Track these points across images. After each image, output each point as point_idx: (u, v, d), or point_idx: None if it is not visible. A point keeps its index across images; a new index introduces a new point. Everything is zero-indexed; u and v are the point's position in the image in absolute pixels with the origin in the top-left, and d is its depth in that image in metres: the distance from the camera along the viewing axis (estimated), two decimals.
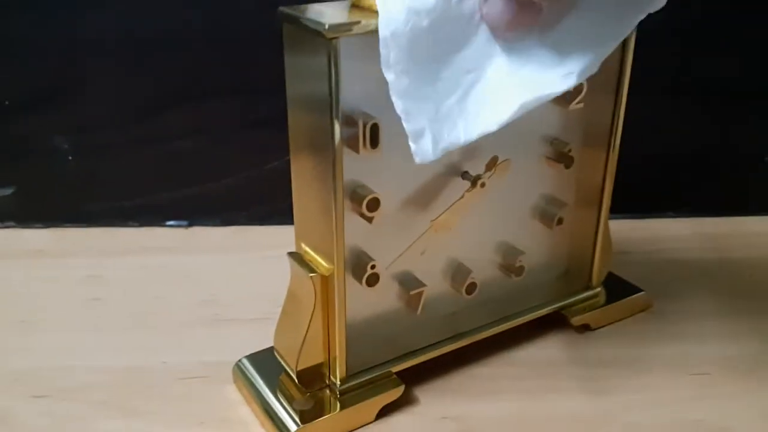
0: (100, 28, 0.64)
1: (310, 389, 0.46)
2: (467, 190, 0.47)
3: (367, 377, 0.47)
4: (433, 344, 0.50)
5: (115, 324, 0.56)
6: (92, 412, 0.47)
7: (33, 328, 0.56)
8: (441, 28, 0.38)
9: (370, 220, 0.44)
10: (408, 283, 0.49)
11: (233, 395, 0.49)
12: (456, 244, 0.50)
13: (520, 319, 0.52)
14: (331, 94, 0.39)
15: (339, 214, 0.42)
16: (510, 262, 0.52)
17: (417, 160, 0.38)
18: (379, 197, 0.43)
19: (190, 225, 0.71)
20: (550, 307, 0.54)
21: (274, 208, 0.70)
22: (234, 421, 0.47)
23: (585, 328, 0.55)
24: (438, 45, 0.39)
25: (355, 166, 0.43)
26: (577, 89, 0.48)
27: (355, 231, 0.44)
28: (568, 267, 0.57)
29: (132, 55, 0.65)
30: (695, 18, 0.64)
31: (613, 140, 0.51)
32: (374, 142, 0.42)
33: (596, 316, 0.55)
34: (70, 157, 0.68)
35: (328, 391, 0.47)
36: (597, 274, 0.55)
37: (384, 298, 0.48)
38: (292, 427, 0.44)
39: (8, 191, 0.70)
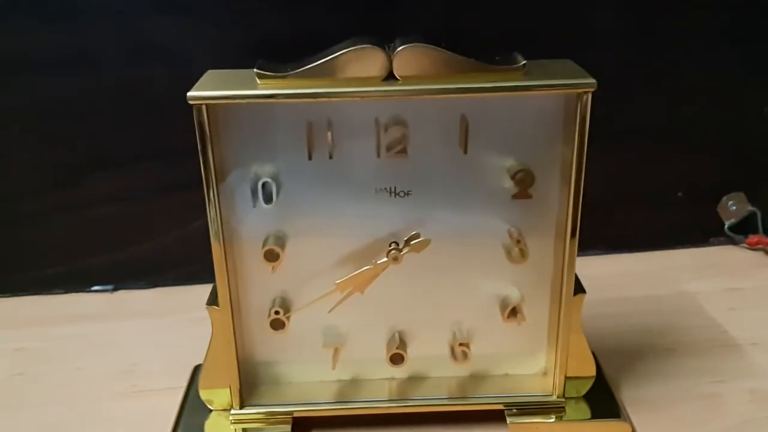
0: (12, 95, 0.65)
1: (216, 409, 0.51)
2: (377, 261, 0.48)
3: (261, 411, 0.51)
4: (344, 401, 0.51)
5: (34, 400, 0.56)
6: None
7: None
8: None
9: (272, 268, 0.47)
10: (330, 337, 0.51)
11: None
12: (393, 313, 0.50)
13: (452, 404, 0.51)
14: (199, 153, 0.44)
15: (220, 260, 0.47)
16: (454, 346, 0.50)
17: None
18: (279, 251, 0.47)
19: (116, 289, 0.71)
20: (487, 402, 0.51)
21: (200, 266, 0.70)
22: None
23: None
24: None
25: (270, 217, 0.47)
26: (526, 180, 0.46)
27: (267, 276, 0.48)
28: (546, 367, 0.52)
29: (46, 122, 0.66)
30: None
31: (568, 234, 0.46)
32: (267, 198, 0.46)
33: (544, 428, 0.51)
34: None
35: (228, 416, 0.51)
36: (557, 379, 0.50)
37: (306, 346, 0.51)
38: None
39: None
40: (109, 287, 0.71)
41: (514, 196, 0.46)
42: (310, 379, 0.52)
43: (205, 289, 0.68)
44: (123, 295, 0.71)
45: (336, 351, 0.51)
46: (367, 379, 0.53)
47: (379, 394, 0.52)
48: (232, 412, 0.50)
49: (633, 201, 0.73)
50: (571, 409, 0.51)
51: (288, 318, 0.49)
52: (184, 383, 0.55)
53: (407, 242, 0.47)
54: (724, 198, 0.74)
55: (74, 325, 0.66)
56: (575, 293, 0.48)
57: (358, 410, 0.51)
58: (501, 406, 0.51)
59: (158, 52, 0.64)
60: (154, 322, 0.66)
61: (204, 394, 0.51)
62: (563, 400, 0.51)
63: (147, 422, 0.52)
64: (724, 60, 0.69)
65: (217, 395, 0.51)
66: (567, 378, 0.50)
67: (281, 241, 0.48)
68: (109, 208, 0.69)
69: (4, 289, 0.70)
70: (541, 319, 0.51)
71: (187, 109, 0.65)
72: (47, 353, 0.62)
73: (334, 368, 0.51)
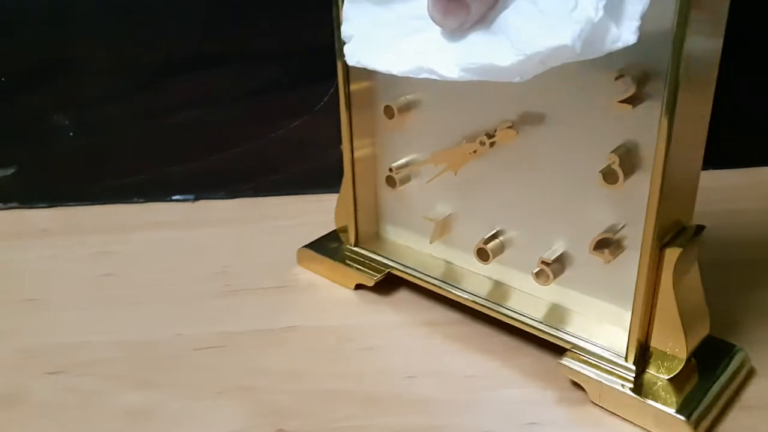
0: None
1: (345, 244, 0.57)
2: (467, 140, 0.47)
3: (367, 256, 0.55)
4: (437, 279, 0.52)
5: (128, 298, 0.55)
6: (109, 386, 0.46)
7: (42, 306, 0.54)
8: None
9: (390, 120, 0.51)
10: (431, 211, 0.52)
11: (250, 363, 0.48)
12: (497, 210, 0.48)
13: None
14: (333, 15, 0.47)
15: (345, 111, 0.52)
16: (543, 264, 0.45)
17: (345, 58, 0.44)
18: (394, 107, 0.50)
19: (197, 199, 0.70)
20: (555, 335, 0.45)
21: (281, 178, 0.69)
22: (251, 388, 0.46)
23: None
24: None
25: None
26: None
27: (395, 134, 0.52)
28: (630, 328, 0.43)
29: (127, 26, 0.64)
30: None
31: None
32: None
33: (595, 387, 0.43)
34: (71, 134, 0.67)
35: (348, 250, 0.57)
36: (631, 341, 0.42)
37: (412, 213, 0.54)
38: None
39: (9, 171, 0.68)
40: (190, 197, 0.69)
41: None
42: (410, 245, 0.55)
43: (285, 201, 0.68)
44: (204, 204, 0.69)
45: (436, 226, 0.51)
46: (457, 265, 0.53)
47: (463, 283, 0.51)
48: (347, 246, 0.56)
49: (722, 116, 0.70)
50: (648, 387, 0.41)
51: (398, 179, 0.52)
52: (278, 284, 0.54)
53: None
54: None
55: (158, 231, 0.65)
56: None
57: (442, 291, 0.51)
58: (568, 346, 0.44)
59: None
60: (240, 229, 0.64)
61: (337, 224, 0.59)
62: (633, 367, 0.42)
63: (248, 316, 0.51)
64: None
65: (343, 230, 0.57)
66: (652, 349, 0.42)
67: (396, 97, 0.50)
68: (188, 115, 0.67)
69: (81, 197, 0.69)
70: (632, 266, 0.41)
71: (269, 12, 0.64)
72: (134, 256, 0.61)
73: (431, 242, 0.51)
